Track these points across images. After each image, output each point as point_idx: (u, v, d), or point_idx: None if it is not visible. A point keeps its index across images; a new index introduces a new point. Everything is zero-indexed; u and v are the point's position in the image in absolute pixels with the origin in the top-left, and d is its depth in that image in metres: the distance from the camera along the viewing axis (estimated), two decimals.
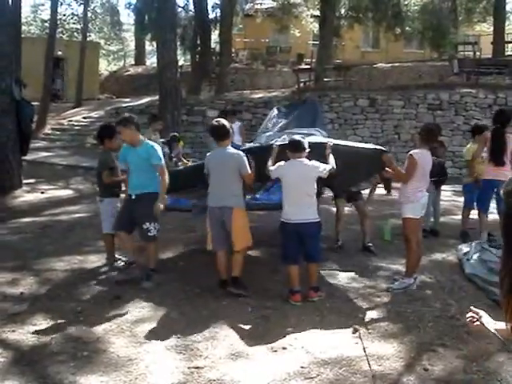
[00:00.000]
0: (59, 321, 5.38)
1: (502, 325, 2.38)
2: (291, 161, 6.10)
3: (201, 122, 19.87)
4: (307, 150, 6.08)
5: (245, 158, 6.18)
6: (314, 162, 6.07)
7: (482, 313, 2.56)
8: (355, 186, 8.06)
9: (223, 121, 6.47)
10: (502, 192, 2.19)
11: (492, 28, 27.50)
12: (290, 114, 9.24)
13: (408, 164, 6.38)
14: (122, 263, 7.10)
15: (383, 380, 4.30)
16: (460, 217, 9.24)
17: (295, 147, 6.07)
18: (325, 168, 6.04)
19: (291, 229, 6.04)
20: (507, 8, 30.70)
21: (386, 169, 6.53)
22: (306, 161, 6.07)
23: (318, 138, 7.33)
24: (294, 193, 6.04)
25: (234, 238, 6.19)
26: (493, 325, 2.49)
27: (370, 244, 8.10)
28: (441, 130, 6.96)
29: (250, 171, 6.17)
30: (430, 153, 6.60)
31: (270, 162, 6.29)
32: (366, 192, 8.49)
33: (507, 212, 2.12)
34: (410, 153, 6.44)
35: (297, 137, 6.26)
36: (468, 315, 2.59)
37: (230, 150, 6.28)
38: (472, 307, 2.64)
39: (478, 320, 2.52)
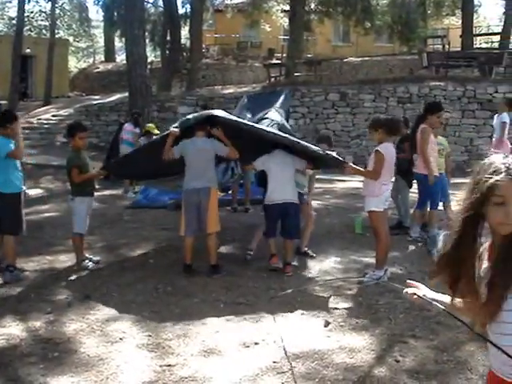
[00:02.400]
0: (29, 322, 5.31)
1: (443, 298, 2.35)
2: (275, 151, 6.97)
3: (172, 119, 19.76)
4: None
5: (218, 142, 6.85)
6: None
7: (420, 286, 2.50)
8: None
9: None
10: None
11: (460, 21, 27.76)
12: (260, 100, 9.31)
13: (376, 160, 6.39)
14: (91, 263, 7.04)
15: (355, 372, 4.32)
16: None
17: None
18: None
19: (276, 209, 6.85)
20: (475, 1, 31.01)
21: (351, 166, 6.67)
22: (286, 152, 6.94)
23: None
24: (279, 177, 6.82)
25: (208, 219, 6.66)
26: (433, 295, 2.43)
27: (306, 249, 7.69)
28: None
29: (227, 150, 6.86)
30: (393, 145, 6.64)
31: None
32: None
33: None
34: (377, 149, 6.41)
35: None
36: (406, 290, 2.51)
37: (206, 139, 6.87)
38: (409, 281, 2.56)
39: (416, 294, 2.45)
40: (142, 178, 8.40)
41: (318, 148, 6.86)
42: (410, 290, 2.49)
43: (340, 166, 6.82)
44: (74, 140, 6.98)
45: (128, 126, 12.64)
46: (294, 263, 7.07)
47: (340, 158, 6.81)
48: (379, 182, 6.38)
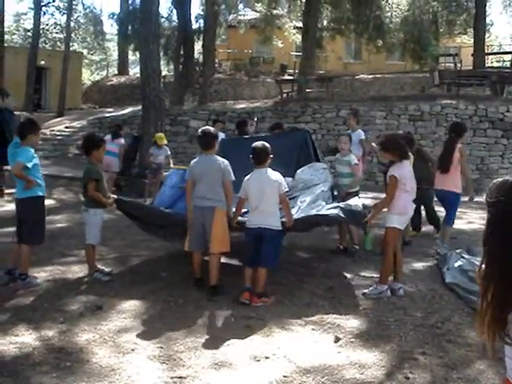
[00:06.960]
0: (42, 331, 5.35)
1: None
2: (256, 170, 6.32)
3: (184, 133, 19.94)
4: (270, 156, 6.29)
5: (229, 167, 6.51)
6: (277, 174, 6.29)
7: None
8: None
9: (211, 129, 6.83)
10: (486, 199, 2.24)
11: (472, 40, 27.82)
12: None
13: (390, 184, 6.45)
14: (103, 274, 7.06)
15: None
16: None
17: (259, 158, 6.26)
18: (284, 188, 6.26)
19: (252, 234, 6.27)
20: (487, 20, 31.04)
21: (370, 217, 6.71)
22: (269, 170, 6.29)
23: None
24: (257, 198, 6.20)
25: (212, 238, 6.42)
26: None
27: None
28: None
29: (232, 179, 6.52)
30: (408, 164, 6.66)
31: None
32: None
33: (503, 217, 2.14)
34: (392, 174, 6.41)
35: (259, 144, 6.33)
36: None
37: (216, 157, 6.61)
38: None
39: None
40: (148, 230, 8.30)
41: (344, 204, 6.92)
42: None
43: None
44: (98, 152, 7.04)
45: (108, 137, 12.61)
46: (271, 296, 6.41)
47: (361, 212, 6.79)
48: (405, 200, 6.42)
